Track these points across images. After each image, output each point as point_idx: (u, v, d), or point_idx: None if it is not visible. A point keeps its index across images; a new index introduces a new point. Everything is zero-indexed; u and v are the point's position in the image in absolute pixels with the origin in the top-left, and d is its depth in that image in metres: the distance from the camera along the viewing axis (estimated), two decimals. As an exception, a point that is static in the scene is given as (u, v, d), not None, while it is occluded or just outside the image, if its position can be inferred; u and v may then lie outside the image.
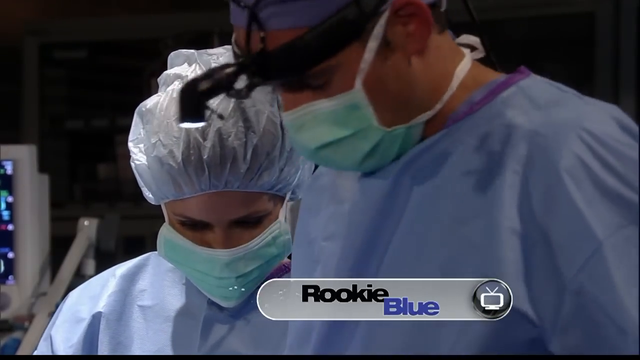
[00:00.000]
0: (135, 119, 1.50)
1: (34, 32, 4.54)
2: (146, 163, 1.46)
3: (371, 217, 1.20)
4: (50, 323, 1.57)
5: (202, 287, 1.49)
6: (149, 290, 1.54)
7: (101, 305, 1.53)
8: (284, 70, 1.15)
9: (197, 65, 1.48)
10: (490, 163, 1.17)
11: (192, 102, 1.15)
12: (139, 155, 1.47)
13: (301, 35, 1.13)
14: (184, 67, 1.50)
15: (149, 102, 1.49)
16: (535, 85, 1.21)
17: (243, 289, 1.47)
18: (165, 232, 1.48)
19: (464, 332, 1.14)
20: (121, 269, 1.56)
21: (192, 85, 1.15)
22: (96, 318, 1.53)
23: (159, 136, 1.45)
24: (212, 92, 1.15)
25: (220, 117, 1.31)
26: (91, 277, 1.66)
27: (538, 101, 1.19)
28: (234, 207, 1.44)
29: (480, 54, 1.24)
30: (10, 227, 3.02)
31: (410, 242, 1.18)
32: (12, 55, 4.55)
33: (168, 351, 1.50)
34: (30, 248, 3.04)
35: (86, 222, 3.05)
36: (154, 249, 1.55)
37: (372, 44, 1.15)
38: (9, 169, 3.03)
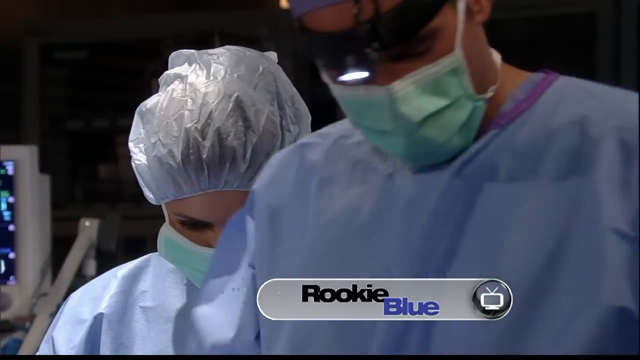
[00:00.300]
0: (136, 118, 1.50)
1: (35, 32, 4.54)
2: (146, 163, 1.46)
3: (427, 218, 1.18)
4: (52, 325, 1.57)
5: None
6: (150, 291, 1.54)
7: (103, 307, 1.53)
8: (401, 31, 1.14)
9: (197, 65, 1.48)
10: (571, 161, 1.17)
11: (358, 53, 1.13)
12: (139, 155, 1.48)
13: None
14: (184, 67, 1.50)
15: (149, 102, 1.49)
16: (576, 82, 1.23)
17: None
18: (166, 232, 1.48)
19: (563, 335, 1.13)
20: (122, 270, 1.56)
21: (354, 37, 1.13)
22: (98, 319, 1.53)
23: (158, 136, 1.45)
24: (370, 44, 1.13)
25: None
26: (92, 277, 1.66)
27: (595, 95, 1.21)
28: (233, 206, 1.44)
29: None
30: (11, 227, 3.02)
31: (487, 248, 1.16)
32: (13, 56, 4.55)
33: (170, 352, 1.49)
34: (32, 248, 3.04)
35: (87, 223, 3.05)
36: (154, 249, 1.55)
37: (461, 5, 1.17)
38: (10, 169, 3.03)
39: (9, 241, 3.03)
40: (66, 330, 1.54)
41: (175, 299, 1.53)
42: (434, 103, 1.17)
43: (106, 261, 2.98)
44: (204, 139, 1.43)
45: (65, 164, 4.59)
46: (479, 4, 1.19)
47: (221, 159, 1.43)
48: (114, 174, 4.49)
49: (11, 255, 3.04)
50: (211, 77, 1.46)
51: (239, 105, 1.44)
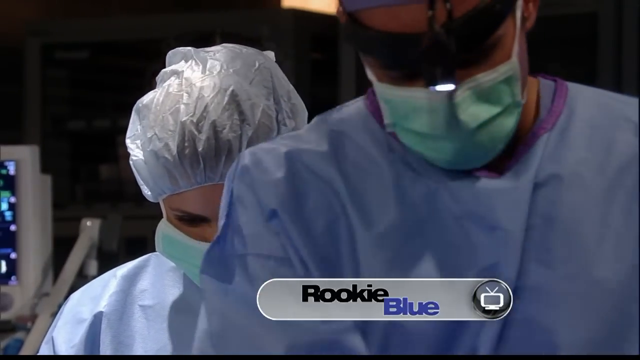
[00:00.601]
0: (133, 115, 1.51)
1: (36, 32, 4.54)
2: (143, 158, 1.47)
3: (518, 230, 1.18)
4: (52, 326, 1.57)
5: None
6: (149, 290, 1.54)
7: (102, 305, 1.54)
8: (473, 38, 1.14)
9: (194, 61, 1.49)
10: (636, 164, 1.18)
11: (448, 63, 1.12)
12: (136, 151, 1.48)
13: None
14: (181, 63, 1.50)
15: (146, 98, 1.49)
16: (585, 87, 1.25)
17: None
18: (164, 228, 1.48)
19: None
20: (122, 270, 1.56)
21: (445, 47, 1.12)
22: (97, 318, 1.53)
23: (154, 130, 1.45)
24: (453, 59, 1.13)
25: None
26: (94, 277, 1.66)
27: (616, 98, 1.24)
28: None
29: None
30: (12, 227, 3.02)
31: (577, 255, 1.17)
32: (14, 56, 4.55)
33: (169, 350, 1.50)
34: (33, 249, 3.04)
35: (88, 223, 3.05)
36: (155, 249, 1.55)
37: (519, 13, 1.17)
38: (11, 169, 3.03)
39: (11, 241, 3.03)
40: (66, 330, 1.54)
41: (175, 297, 1.53)
42: (488, 110, 1.16)
43: (108, 261, 2.98)
44: (199, 132, 1.43)
45: (67, 164, 4.59)
46: (528, 10, 1.19)
47: (217, 151, 1.43)
48: (115, 174, 4.49)
49: (12, 256, 3.04)
50: (207, 72, 1.46)
51: (234, 98, 1.44)
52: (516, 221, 1.17)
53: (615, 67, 4.01)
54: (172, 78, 1.49)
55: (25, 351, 2.88)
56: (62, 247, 3.12)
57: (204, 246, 1.44)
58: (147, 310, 1.52)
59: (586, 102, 1.23)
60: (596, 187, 1.19)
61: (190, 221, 1.46)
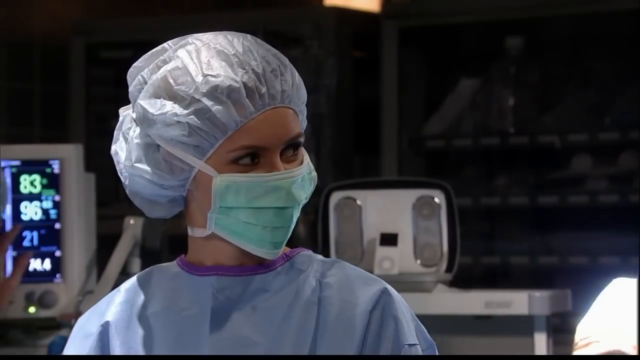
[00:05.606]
0: (158, 92, 1.57)
1: (81, 32, 4.57)
2: (194, 114, 1.47)
3: None
4: (65, 348, 1.58)
5: (254, 238, 1.48)
6: (154, 297, 1.54)
7: (109, 316, 1.54)
8: None
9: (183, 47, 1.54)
10: None
11: None
12: (179, 116, 1.48)
13: None
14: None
15: (160, 74, 1.59)
16: None
17: (291, 225, 1.48)
18: (224, 179, 1.47)
19: None
20: (125, 284, 1.58)
21: None
22: (105, 328, 1.54)
23: (202, 74, 1.47)
24: None
25: None
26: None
27: None
28: (288, 124, 1.48)
29: None
30: (57, 225, 3.05)
31: None
32: (59, 55, 4.58)
33: (179, 350, 1.49)
34: (77, 246, 3.06)
35: (132, 221, 3.06)
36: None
37: None
38: (55, 168, 3.05)
39: (55, 239, 3.05)
40: (75, 346, 1.55)
41: (180, 300, 1.53)
42: None
43: (151, 259, 2.99)
44: (248, 59, 1.48)
45: (110, 162, 4.60)
46: None
47: (272, 72, 1.48)
48: (158, 173, 4.50)
49: (57, 253, 3.06)
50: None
51: (256, 40, 1.51)
52: None
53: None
54: (179, 51, 1.54)
55: (69, 348, 2.90)
56: (106, 244, 3.14)
57: (271, 176, 1.46)
58: (153, 316, 1.52)
59: None
60: None
61: (250, 162, 1.47)
